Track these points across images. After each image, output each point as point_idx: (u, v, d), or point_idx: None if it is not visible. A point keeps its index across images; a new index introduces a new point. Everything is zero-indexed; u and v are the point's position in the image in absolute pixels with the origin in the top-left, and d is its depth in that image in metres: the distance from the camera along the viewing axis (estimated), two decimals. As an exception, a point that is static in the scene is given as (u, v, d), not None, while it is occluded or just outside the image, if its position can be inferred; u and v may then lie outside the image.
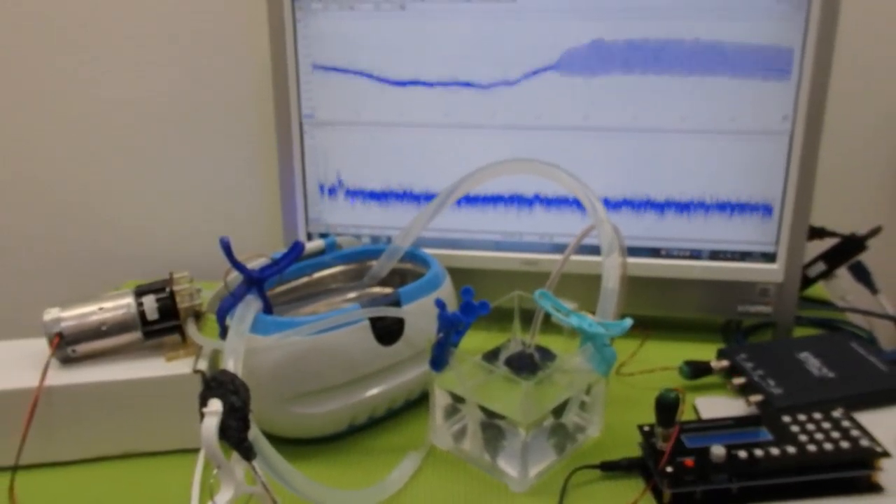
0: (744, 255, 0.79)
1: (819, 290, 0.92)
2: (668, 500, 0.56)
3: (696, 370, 0.73)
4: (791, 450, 0.57)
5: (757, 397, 0.68)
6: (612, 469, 0.61)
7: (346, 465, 0.63)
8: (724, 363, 0.73)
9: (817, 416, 0.61)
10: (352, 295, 0.76)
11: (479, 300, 0.59)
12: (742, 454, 0.57)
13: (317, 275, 0.75)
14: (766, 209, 0.76)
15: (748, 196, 0.77)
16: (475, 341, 0.68)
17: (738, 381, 0.70)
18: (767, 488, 0.56)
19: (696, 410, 0.70)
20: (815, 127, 0.72)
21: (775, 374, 0.70)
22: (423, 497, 0.59)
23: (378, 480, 0.59)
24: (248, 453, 0.48)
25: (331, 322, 0.60)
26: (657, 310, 0.82)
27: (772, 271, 0.78)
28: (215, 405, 0.48)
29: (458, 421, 0.65)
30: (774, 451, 0.57)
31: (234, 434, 0.48)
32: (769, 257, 0.78)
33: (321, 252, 0.75)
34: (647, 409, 0.64)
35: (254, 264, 0.61)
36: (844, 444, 0.58)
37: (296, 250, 0.61)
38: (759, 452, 0.57)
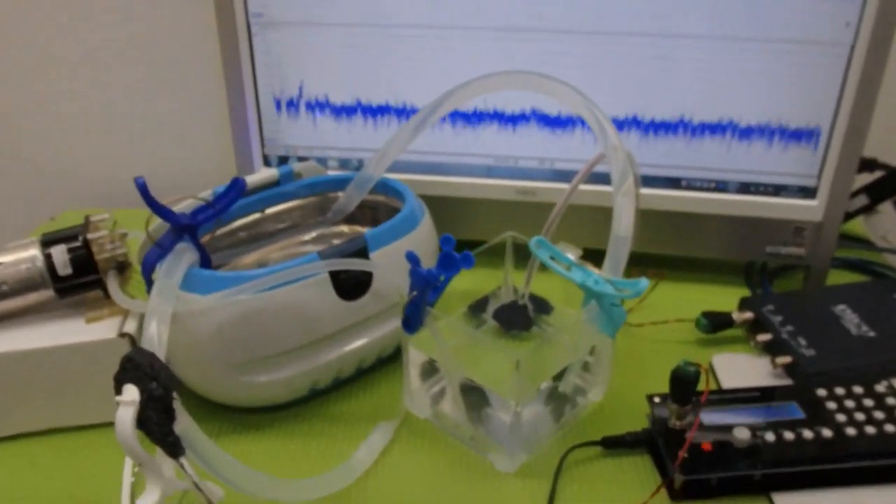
0: (778, 189, 0.70)
1: (856, 226, 0.84)
2: (680, 487, 0.50)
3: (716, 323, 0.66)
4: (826, 433, 0.51)
5: (785, 359, 0.61)
6: (615, 446, 0.55)
7: (308, 436, 0.57)
8: (748, 315, 0.66)
9: (858, 389, 0.55)
10: (312, 234, 0.68)
11: (462, 252, 0.51)
12: (769, 437, 0.51)
13: (270, 210, 0.67)
14: (810, 135, 0.67)
15: (789, 119, 0.67)
16: (462, 283, 0.60)
17: (763, 337, 0.64)
18: (796, 475, 0.51)
19: (712, 369, 0.63)
20: (883, 38, 0.62)
21: (806, 331, 0.63)
22: (393, 480, 0.53)
23: (345, 455, 0.53)
24: (173, 450, 0.41)
25: (282, 277, 0.52)
26: (673, 248, 0.74)
27: (810, 209, 0.70)
28: (131, 393, 0.41)
29: (436, 382, 0.58)
30: (807, 433, 0.51)
31: (156, 428, 0.41)
32: (808, 192, 0.70)
33: (275, 183, 0.66)
34: (658, 370, 0.58)
35: (182, 207, 0.52)
36: (890, 428, 0.51)
37: (235, 188, 0.53)
38: (788, 435, 0.51)
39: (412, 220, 0.61)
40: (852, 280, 0.75)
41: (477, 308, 0.65)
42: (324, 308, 0.56)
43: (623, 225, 0.54)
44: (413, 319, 0.53)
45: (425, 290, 0.51)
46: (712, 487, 0.51)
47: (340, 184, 0.68)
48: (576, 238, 0.58)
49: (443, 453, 0.55)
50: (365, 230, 0.63)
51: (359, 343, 0.59)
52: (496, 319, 0.63)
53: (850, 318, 0.64)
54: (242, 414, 0.59)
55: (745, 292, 0.74)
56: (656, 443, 0.53)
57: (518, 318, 0.62)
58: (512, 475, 0.53)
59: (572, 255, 0.58)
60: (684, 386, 0.50)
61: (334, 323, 0.57)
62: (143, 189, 0.46)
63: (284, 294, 0.53)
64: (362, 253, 0.57)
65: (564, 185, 0.71)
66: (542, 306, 0.64)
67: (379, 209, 0.69)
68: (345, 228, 0.70)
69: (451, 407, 0.57)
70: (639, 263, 0.76)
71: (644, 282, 0.49)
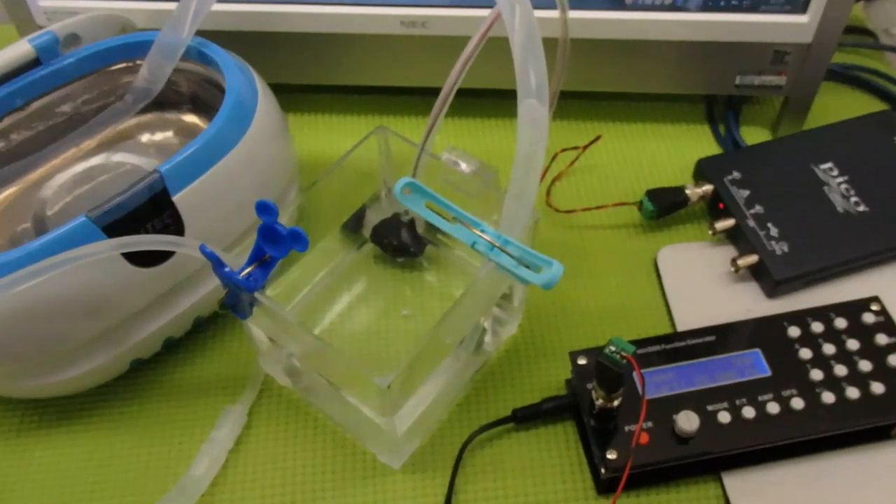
0: (756, 3, 0.51)
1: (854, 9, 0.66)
2: (607, 479, 0.40)
3: (664, 205, 0.52)
4: (797, 403, 0.40)
5: (749, 259, 0.48)
6: (531, 419, 0.44)
7: (138, 422, 0.45)
8: (706, 189, 0.52)
9: (841, 323, 0.43)
10: (102, 134, 0.49)
11: (291, 228, 0.35)
12: (723, 417, 0.40)
13: (36, 104, 0.47)
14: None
15: None
16: (333, 188, 0.44)
17: (724, 224, 0.50)
18: (753, 454, 0.41)
19: (656, 269, 0.50)
20: None
21: (778, 214, 0.49)
22: (251, 477, 0.42)
23: (186, 450, 0.42)
24: None
25: (40, 268, 0.36)
26: (616, 84, 0.56)
27: (798, 27, 0.51)
28: None
29: (289, 356, 0.45)
30: (772, 406, 0.40)
31: None
32: (797, 5, 0.51)
33: (34, 62, 0.45)
34: (588, 281, 0.45)
35: None
36: (877, 388, 0.41)
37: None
38: (748, 412, 0.40)
39: (238, 123, 0.43)
40: (842, 107, 0.59)
41: (352, 225, 0.49)
42: (119, 284, 0.40)
43: (526, 138, 0.36)
44: (237, 308, 0.38)
45: (239, 292, 0.35)
46: (649, 477, 0.41)
47: (135, 50, 0.48)
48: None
49: (315, 437, 0.44)
50: (189, 118, 0.45)
51: (182, 307, 0.44)
52: (376, 243, 0.48)
53: (835, 185, 0.50)
54: (49, 401, 0.46)
55: (704, 143, 0.58)
56: (580, 417, 0.42)
57: (405, 240, 0.47)
58: (401, 470, 0.43)
59: (466, 166, 0.42)
60: (612, 378, 0.38)
61: (139, 297, 0.41)
62: None
63: (56, 282, 0.37)
64: (159, 201, 0.39)
65: (468, 12, 0.51)
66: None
67: (202, 86, 0.49)
68: (157, 116, 0.51)
69: (308, 390, 0.44)
70: (568, 115, 0.59)
71: (557, 268, 0.34)
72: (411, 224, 0.47)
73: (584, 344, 0.45)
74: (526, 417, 0.43)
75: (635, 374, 0.41)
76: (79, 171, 0.47)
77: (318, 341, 0.37)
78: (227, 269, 0.34)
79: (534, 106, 0.36)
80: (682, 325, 0.47)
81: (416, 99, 0.60)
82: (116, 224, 0.38)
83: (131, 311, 0.42)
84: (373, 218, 0.48)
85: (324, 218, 0.48)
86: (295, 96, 0.60)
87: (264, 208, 0.35)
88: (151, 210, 0.39)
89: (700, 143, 0.58)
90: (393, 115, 0.60)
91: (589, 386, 0.42)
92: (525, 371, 0.46)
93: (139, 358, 0.45)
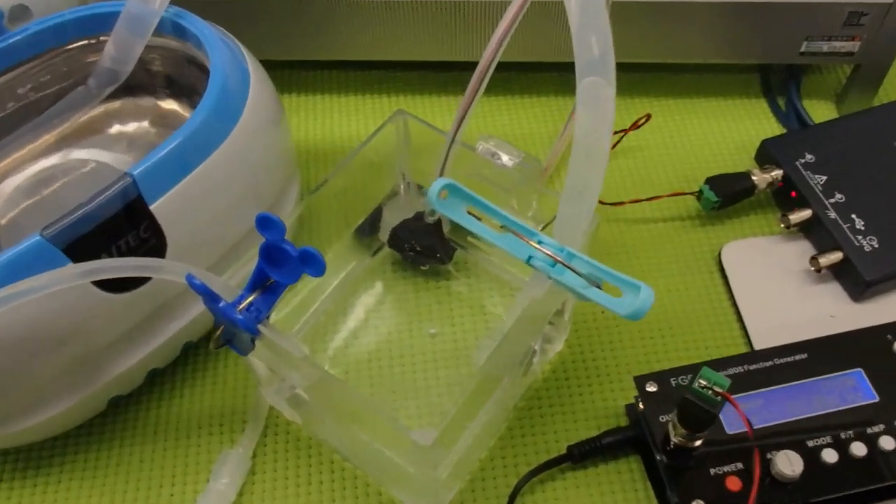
0: (834, -45, 0.44)
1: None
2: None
3: (728, 194, 0.45)
4: (915, 436, 0.34)
5: (833, 257, 0.41)
6: (589, 458, 0.37)
7: (115, 478, 0.38)
8: (775, 175, 0.45)
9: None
10: (61, 127, 0.41)
11: (301, 249, 0.28)
12: (828, 456, 0.34)
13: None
14: None
15: None
16: (340, 183, 0.37)
17: (800, 215, 0.43)
18: (865, 496, 0.34)
19: (720, 268, 0.44)
20: None
21: (863, 199, 0.43)
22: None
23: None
24: None
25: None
26: (662, 54, 0.49)
27: (881, -17, 0.44)
28: None
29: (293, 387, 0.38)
30: (886, 441, 0.34)
31: None
32: (882, -44, 0.44)
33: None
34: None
35: None
36: None
37: None
38: (858, 449, 0.34)
39: (226, 111, 0.35)
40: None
41: (367, 229, 0.42)
42: (88, 313, 0.33)
43: (588, 124, 0.29)
44: (237, 345, 0.31)
45: (232, 328, 0.28)
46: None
47: (98, 24, 0.40)
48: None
49: (333, 483, 0.37)
50: (167, 105, 0.38)
51: (167, 334, 0.37)
52: (395, 248, 0.41)
53: (927, 168, 0.43)
54: (13, 449, 0.39)
55: (763, 120, 0.51)
56: (648, 452, 0.36)
57: (430, 245, 0.40)
58: (436, 517, 0.36)
59: (508, 158, 0.35)
60: (701, 418, 0.31)
61: (114, 326, 0.34)
62: None
63: (10, 311, 0.30)
64: (133, 211, 0.32)
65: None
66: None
67: (181, 65, 0.41)
68: (128, 103, 0.43)
69: (328, 431, 0.37)
70: None
71: (647, 294, 0.27)
72: (437, 226, 0.40)
73: (641, 361, 0.39)
74: (584, 455, 0.37)
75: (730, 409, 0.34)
76: (34, 173, 0.39)
77: (340, 385, 0.30)
78: (221, 305, 0.27)
79: (597, 84, 0.29)
80: (756, 335, 0.41)
81: (431, 74, 0.52)
82: (81, 242, 0.31)
83: (106, 342, 0.34)
84: (390, 219, 0.41)
85: (332, 220, 0.41)
86: (288, 73, 0.53)
87: (267, 223, 0.28)
88: (124, 223, 0.32)
89: (758, 119, 0.51)
90: (404, 93, 0.52)
91: (663, 419, 0.35)
92: (576, 395, 0.40)
93: (119, 394, 0.38)
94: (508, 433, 0.38)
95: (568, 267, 0.28)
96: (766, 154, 0.46)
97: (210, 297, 0.27)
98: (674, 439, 0.34)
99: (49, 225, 0.30)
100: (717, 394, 0.30)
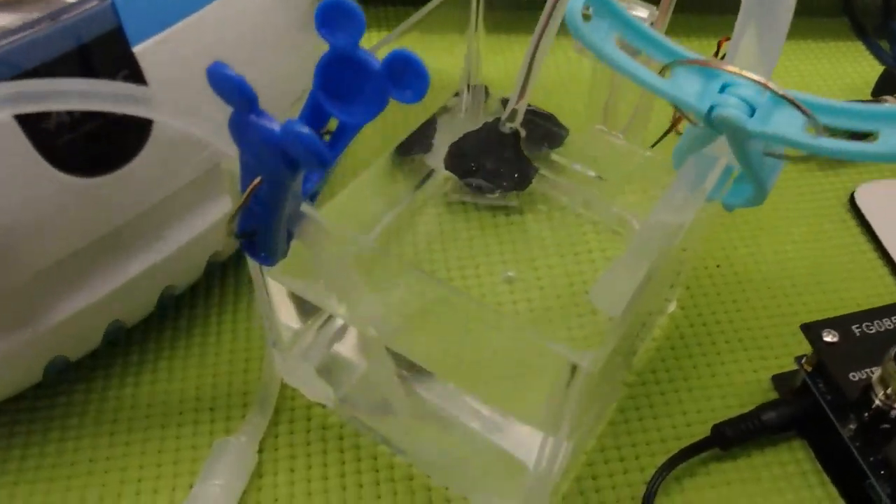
0: None
1: None
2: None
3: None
4: None
5: None
6: (742, 443, 0.27)
7: (55, 480, 0.26)
8: (907, 104, 0.36)
9: None
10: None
11: (392, 54, 0.17)
12: None
13: None
14: None
15: None
16: None
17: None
18: None
19: (853, 213, 0.35)
20: None
21: None
22: None
23: None
24: None
25: None
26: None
27: None
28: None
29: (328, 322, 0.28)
30: None
31: None
32: None
33: None
34: (766, 239, 0.30)
35: None
36: None
37: None
38: None
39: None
40: None
41: (414, 147, 0.32)
42: (23, 205, 0.22)
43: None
44: (265, 240, 0.20)
45: (285, 180, 0.17)
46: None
47: None
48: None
49: (380, 490, 0.26)
50: None
51: (139, 268, 0.26)
52: (453, 170, 0.31)
53: None
54: None
55: (863, 62, 0.44)
56: (821, 429, 0.26)
57: (504, 163, 0.30)
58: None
59: (642, 9, 0.26)
60: None
61: (60, 238, 0.23)
62: None
63: None
64: (110, 46, 0.21)
65: None
66: (548, 131, 0.31)
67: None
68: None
69: (377, 409, 0.26)
70: (685, 31, 0.44)
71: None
72: (515, 138, 0.30)
73: (778, 322, 0.30)
74: (737, 437, 0.26)
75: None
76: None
77: (455, 293, 0.19)
78: (272, 125, 0.16)
79: None
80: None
81: None
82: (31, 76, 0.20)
83: (45, 264, 0.23)
84: (446, 135, 0.31)
85: (366, 135, 0.30)
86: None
87: (334, 13, 0.17)
88: (95, 62, 0.21)
89: (857, 61, 0.43)
90: None
91: (854, 377, 0.25)
92: (702, 367, 0.30)
93: (61, 357, 0.26)
94: (621, 416, 0.28)
95: (790, 101, 0.19)
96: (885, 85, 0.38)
97: (245, 100, 0.16)
98: (877, 400, 0.24)
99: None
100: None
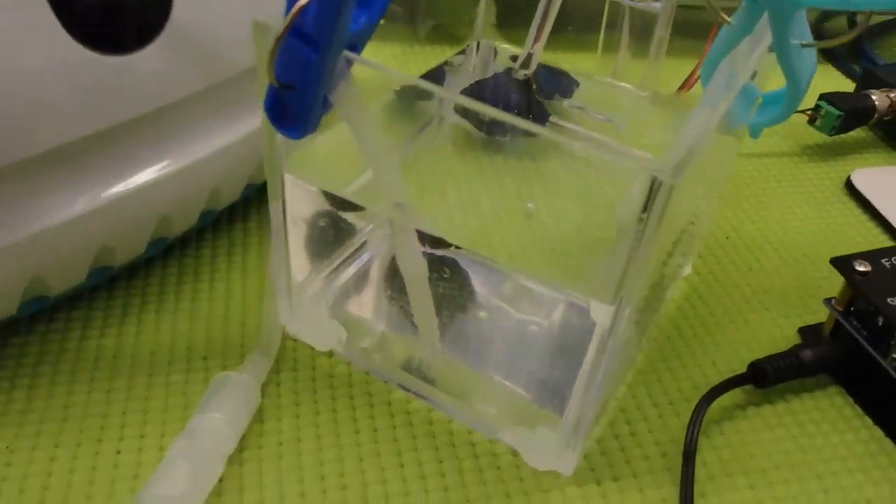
0: None
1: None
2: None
3: (849, 116, 0.37)
4: None
5: None
6: (778, 383, 0.25)
7: (26, 430, 0.23)
8: (894, 96, 0.38)
9: None
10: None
11: None
12: None
13: None
14: None
15: None
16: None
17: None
18: None
19: (852, 189, 0.35)
20: None
21: None
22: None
23: (132, 467, 0.20)
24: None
25: None
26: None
27: None
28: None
29: (351, 257, 0.26)
30: None
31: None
32: None
33: None
34: (772, 213, 0.30)
35: None
36: None
37: None
38: None
39: None
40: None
41: (417, 93, 0.31)
42: (42, 67, 0.20)
43: None
44: (300, 102, 0.18)
45: (332, 19, 0.16)
46: None
47: None
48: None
49: (401, 435, 0.23)
50: None
51: (133, 185, 0.24)
52: (464, 115, 0.30)
53: None
54: None
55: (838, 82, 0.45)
56: (860, 369, 0.25)
57: (517, 105, 0.29)
58: (573, 478, 0.23)
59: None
60: None
61: (69, 113, 0.21)
62: None
63: None
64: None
65: None
66: (559, 82, 0.31)
67: None
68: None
69: (397, 324, 0.24)
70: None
71: None
72: (528, 85, 0.29)
73: (793, 285, 0.29)
74: (775, 375, 0.25)
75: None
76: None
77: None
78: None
79: None
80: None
81: None
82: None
83: (41, 149, 0.21)
84: (455, 78, 0.30)
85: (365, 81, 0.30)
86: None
87: None
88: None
89: (834, 85, 0.45)
90: None
91: (893, 301, 0.24)
92: (726, 323, 0.29)
93: (39, 281, 0.23)
94: (650, 367, 0.27)
95: None
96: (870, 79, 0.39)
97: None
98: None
99: None
100: None
